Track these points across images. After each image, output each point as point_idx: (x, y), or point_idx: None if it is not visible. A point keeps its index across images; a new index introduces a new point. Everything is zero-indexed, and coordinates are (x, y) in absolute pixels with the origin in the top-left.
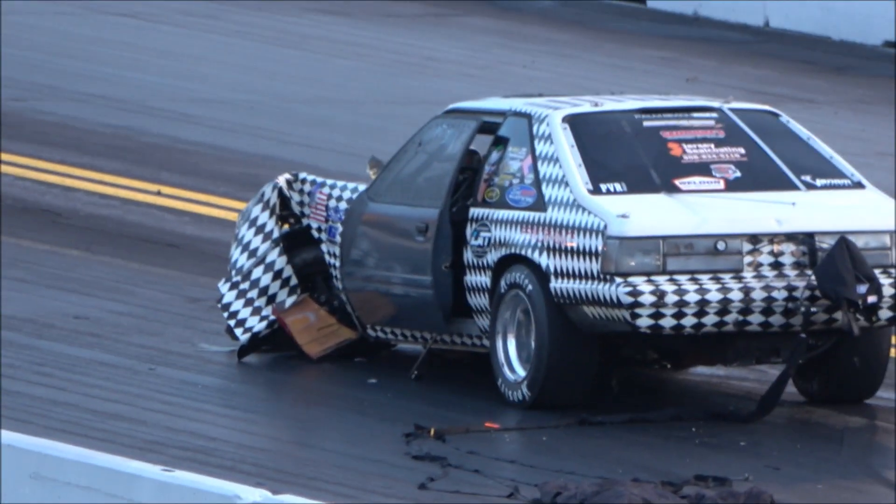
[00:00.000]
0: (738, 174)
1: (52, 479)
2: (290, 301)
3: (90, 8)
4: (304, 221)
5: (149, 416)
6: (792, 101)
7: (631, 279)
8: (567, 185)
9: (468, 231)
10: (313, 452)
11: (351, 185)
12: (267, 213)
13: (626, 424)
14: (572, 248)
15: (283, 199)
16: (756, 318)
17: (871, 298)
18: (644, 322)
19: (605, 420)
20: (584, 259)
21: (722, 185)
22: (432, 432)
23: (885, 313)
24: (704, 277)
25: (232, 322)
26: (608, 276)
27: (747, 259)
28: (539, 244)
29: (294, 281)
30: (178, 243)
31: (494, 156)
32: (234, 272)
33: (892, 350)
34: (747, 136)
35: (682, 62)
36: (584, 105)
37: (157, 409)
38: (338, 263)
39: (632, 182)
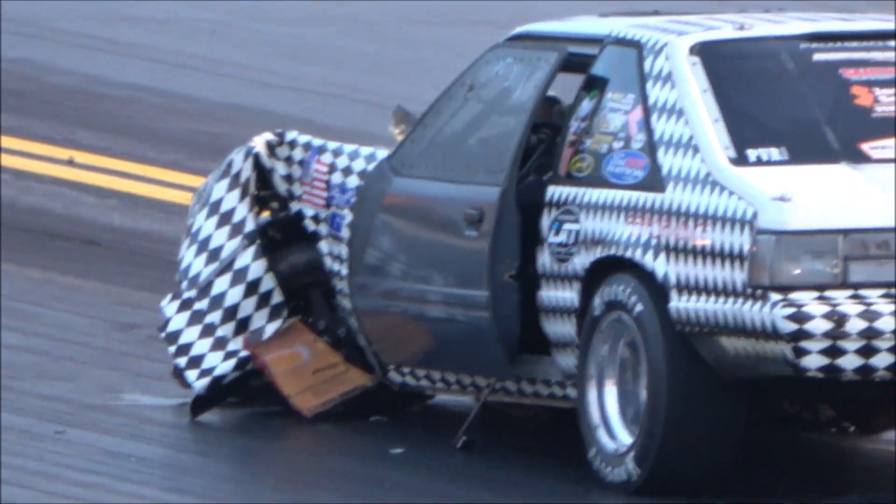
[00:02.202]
0: None
1: None
2: (271, 329)
3: None
4: (294, 206)
5: None
6: None
7: (794, 296)
8: (697, 150)
9: (545, 221)
10: None
11: (365, 150)
12: (236, 193)
13: None
14: (704, 247)
15: (262, 173)
16: None
17: None
18: (814, 361)
19: None
20: (723, 264)
21: None
22: None
23: None
24: None
25: (182, 361)
26: (759, 291)
27: None
28: (653, 242)
29: (278, 298)
30: (99, 239)
31: (585, 106)
32: (185, 284)
33: None
34: None
35: None
36: (724, 28)
37: (69, 496)
38: (345, 271)
39: (796, 146)
